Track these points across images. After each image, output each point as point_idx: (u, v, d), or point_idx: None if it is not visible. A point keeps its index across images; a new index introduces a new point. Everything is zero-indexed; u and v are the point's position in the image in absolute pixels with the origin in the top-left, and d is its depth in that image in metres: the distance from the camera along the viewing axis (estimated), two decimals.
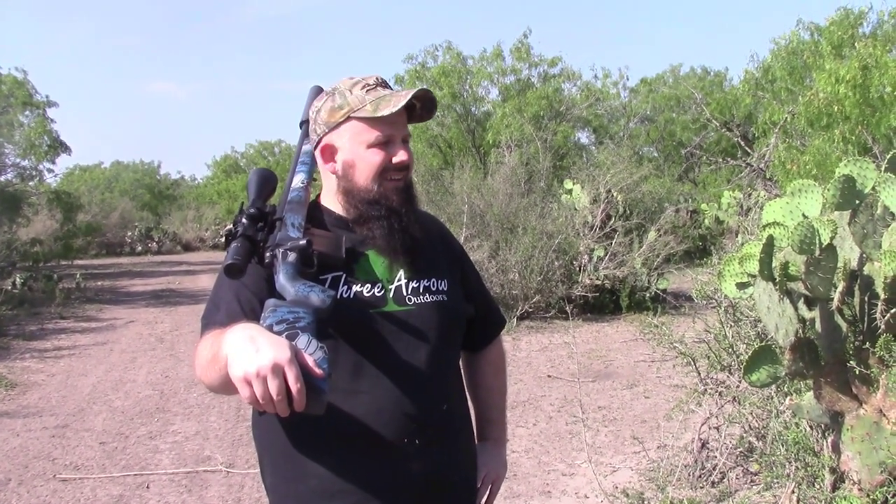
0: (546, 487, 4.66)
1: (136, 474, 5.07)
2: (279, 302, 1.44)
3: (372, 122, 1.63)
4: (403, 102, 1.60)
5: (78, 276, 16.20)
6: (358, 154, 1.66)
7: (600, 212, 11.48)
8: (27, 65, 41.53)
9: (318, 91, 1.76)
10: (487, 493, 1.92)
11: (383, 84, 1.68)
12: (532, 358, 8.31)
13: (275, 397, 1.27)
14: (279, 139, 41.87)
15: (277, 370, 1.26)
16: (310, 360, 1.33)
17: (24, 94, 18.60)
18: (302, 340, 1.36)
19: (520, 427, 5.80)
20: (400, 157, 1.65)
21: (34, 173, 19.49)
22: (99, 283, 18.13)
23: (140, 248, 30.96)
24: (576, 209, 11.70)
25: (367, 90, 1.64)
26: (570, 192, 12.16)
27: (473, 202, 11.14)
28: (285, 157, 38.11)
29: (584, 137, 24.14)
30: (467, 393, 1.92)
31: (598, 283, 10.70)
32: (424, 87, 1.70)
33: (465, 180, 11.72)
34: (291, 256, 1.54)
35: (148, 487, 4.85)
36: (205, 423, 6.11)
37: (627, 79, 26.29)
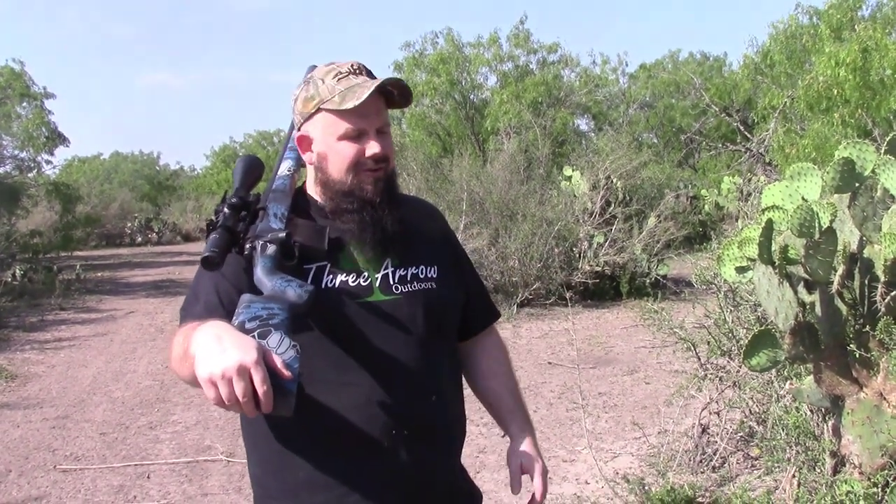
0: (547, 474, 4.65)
1: (136, 464, 5.07)
2: (254, 297, 1.42)
3: (340, 114, 1.57)
4: (366, 94, 1.53)
5: (78, 267, 16.18)
6: (330, 146, 1.61)
7: (600, 198, 11.46)
8: (24, 56, 41.48)
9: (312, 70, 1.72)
10: (542, 486, 1.79)
11: (358, 71, 1.60)
12: (532, 345, 8.31)
13: (240, 399, 1.25)
14: (278, 129, 41.70)
15: (243, 372, 1.24)
16: (278, 361, 1.30)
17: (22, 85, 18.52)
18: (273, 339, 1.34)
19: None
20: (372, 149, 1.59)
21: (32, 165, 19.44)
22: (99, 274, 18.11)
23: (140, 238, 30.90)
24: (575, 196, 11.68)
25: (339, 79, 1.58)
26: (569, 178, 12.14)
27: (472, 189, 11.10)
28: None
29: (583, 124, 24.04)
30: (476, 393, 1.88)
31: (598, 269, 10.68)
32: (395, 75, 1.64)
33: (464, 168, 11.67)
34: (271, 249, 1.51)
35: (148, 477, 4.85)
36: (205, 412, 6.11)
37: (626, 65, 26.06)
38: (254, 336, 1.34)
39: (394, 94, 1.63)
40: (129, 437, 5.65)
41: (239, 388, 1.24)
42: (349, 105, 1.55)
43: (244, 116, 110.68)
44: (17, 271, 14.30)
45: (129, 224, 31.61)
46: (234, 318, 1.38)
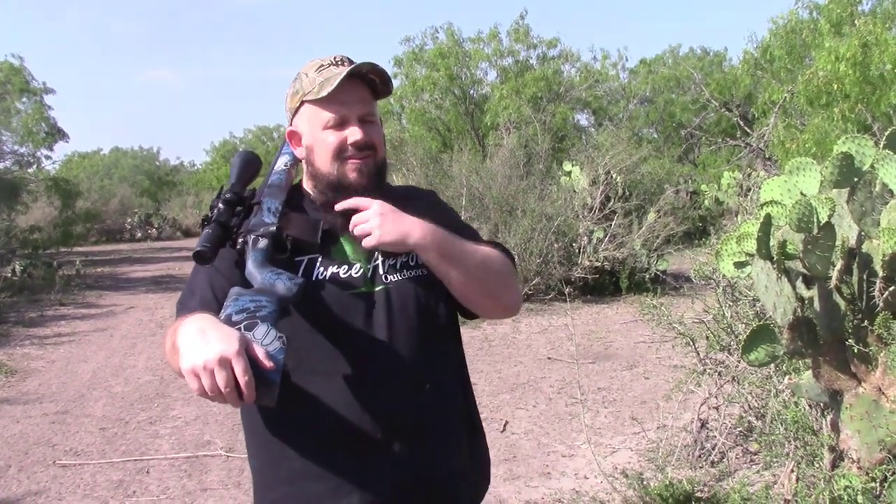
0: (546, 469, 4.66)
1: (136, 459, 5.08)
2: (242, 290, 1.44)
3: (320, 103, 1.59)
4: (338, 79, 1.55)
5: (77, 262, 16.21)
6: (315, 137, 1.62)
7: (599, 193, 11.46)
8: (24, 52, 41.36)
9: None
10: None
11: (341, 62, 1.61)
12: (532, 340, 8.31)
13: (222, 390, 1.27)
14: (277, 124, 41.73)
15: (224, 363, 1.26)
16: (260, 352, 1.32)
17: (21, 80, 18.50)
18: (260, 330, 1.36)
19: (519, 409, 5.79)
20: (354, 135, 1.59)
21: (32, 160, 19.43)
22: (99, 269, 18.12)
23: (140, 234, 30.92)
24: (575, 191, 11.68)
25: (320, 71, 1.59)
26: (569, 173, 12.13)
27: (472, 185, 11.11)
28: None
29: (583, 119, 24.05)
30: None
31: (598, 264, 10.68)
32: (370, 61, 1.60)
33: (464, 163, 11.68)
34: (262, 243, 1.53)
35: (148, 472, 4.86)
36: (205, 407, 6.11)
37: (626, 60, 26.12)
38: (240, 328, 1.35)
39: (376, 82, 1.64)
40: (129, 433, 5.65)
41: (221, 379, 1.26)
42: (325, 92, 1.57)
43: (244, 112, 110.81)
44: (17, 267, 14.31)
45: (129, 219, 31.63)
46: (223, 310, 1.40)
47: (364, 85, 1.62)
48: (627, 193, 11.76)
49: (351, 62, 1.62)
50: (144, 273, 17.34)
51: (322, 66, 1.60)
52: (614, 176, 11.72)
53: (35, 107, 18.77)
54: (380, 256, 1.65)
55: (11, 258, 14.97)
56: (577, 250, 10.87)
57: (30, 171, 19.34)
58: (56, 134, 19.20)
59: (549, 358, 7.45)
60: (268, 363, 1.31)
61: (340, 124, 1.60)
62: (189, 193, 38.24)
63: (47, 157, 20.08)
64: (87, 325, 10.47)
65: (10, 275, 13.76)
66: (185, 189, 40.75)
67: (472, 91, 20.96)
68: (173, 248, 25.18)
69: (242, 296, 1.42)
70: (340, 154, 1.61)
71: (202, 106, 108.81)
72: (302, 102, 1.63)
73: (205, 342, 1.29)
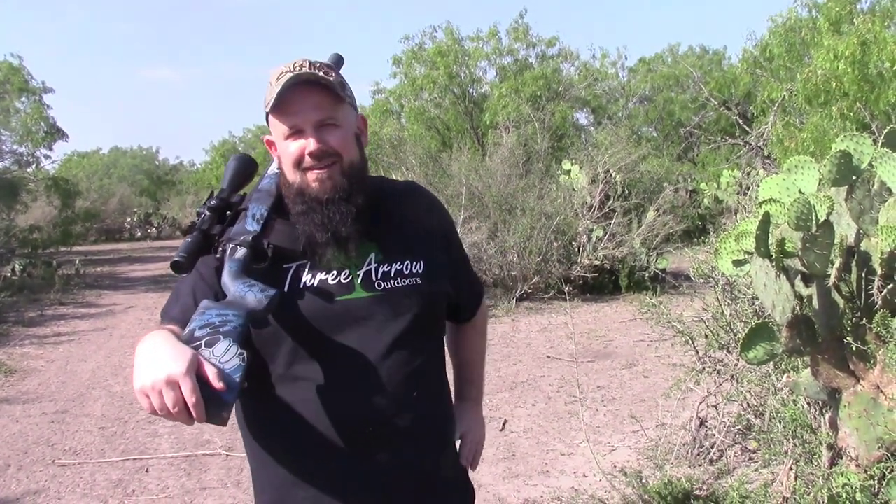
0: (545, 467, 4.66)
1: (135, 459, 5.08)
2: (211, 304, 1.42)
3: (275, 114, 1.56)
4: (278, 91, 1.51)
5: (77, 262, 16.21)
6: (281, 147, 1.59)
7: (599, 192, 11.46)
8: (23, 51, 41.35)
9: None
10: (472, 454, 1.93)
11: (300, 67, 1.54)
12: (531, 339, 8.31)
13: (171, 410, 1.27)
14: None
15: (172, 383, 1.26)
16: (211, 373, 1.30)
17: (20, 80, 18.50)
18: (220, 347, 1.34)
19: (519, 408, 5.80)
20: (309, 146, 1.54)
21: (31, 160, 19.44)
22: (98, 268, 18.12)
23: (139, 233, 30.97)
24: (574, 190, 11.67)
25: (279, 79, 1.53)
26: (568, 172, 12.13)
27: (471, 184, 11.10)
28: None
29: (582, 118, 24.08)
30: (449, 354, 1.92)
31: (598, 263, 10.68)
32: (313, 70, 1.53)
33: (463, 162, 11.68)
34: (239, 252, 1.51)
35: (147, 471, 4.86)
36: None
37: (626, 59, 26.16)
38: (200, 344, 1.34)
39: (334, 84, 1.57)
40: (128, 432, 5.65)
41: (168, 399, 1.26)
42: (272, 104, 1.53)
43: (243, 111, 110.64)
44: (17, 266, 14.31)
45: (129, 219, 31.68)
46: (188, 324, 1.39)
47: (320, 89, 1.55)
48: (627, 192, 11.76)
49: (311, 65, 1.55)
50: (144, 272, 17.34)
51: (281, 73, 1.54)
52: (613, 174, 11.72)
53: (34, 106, 18.77)
54: (373, 262, 1.61)
55: (11, 258, 14.98)
56: (576, 249, 10.87)
57: (29, 170, 19.35)
58: (55, 133, 19.19)
59: (548, 356, 7.45)
60: (217, 384, 1.29)
61: (297, 133, 1.55)
62: (188, 193, 38.30)
63: (46, 157, 20.12)
64: (86, 325, 10.47)
65: (9, 274, 13.77)
66: (184, 188, 40.80)
67: (471, 90, 20.96)
68: (173, 248, 25.07)
69: (210, 309, 1.40)
70: (300, 164, 1.56)
71: (202, 105, 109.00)
72: (267, 114, 1.59)
73: (155, 361, 1.29)
